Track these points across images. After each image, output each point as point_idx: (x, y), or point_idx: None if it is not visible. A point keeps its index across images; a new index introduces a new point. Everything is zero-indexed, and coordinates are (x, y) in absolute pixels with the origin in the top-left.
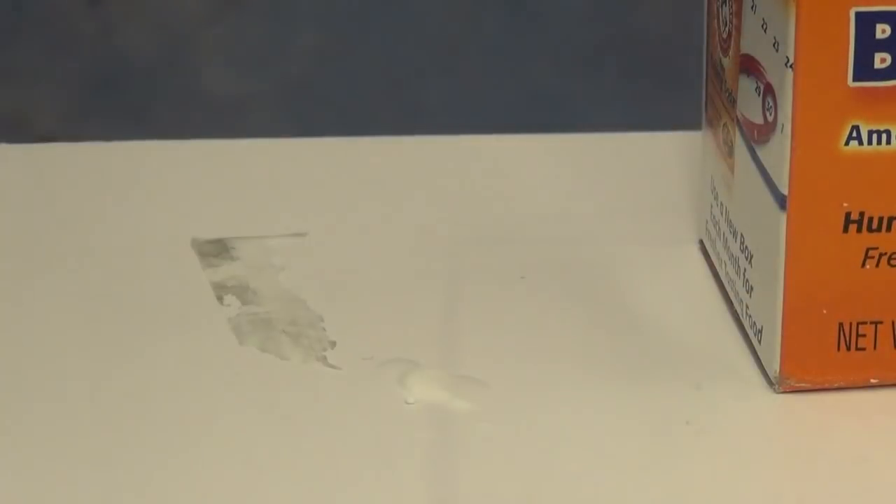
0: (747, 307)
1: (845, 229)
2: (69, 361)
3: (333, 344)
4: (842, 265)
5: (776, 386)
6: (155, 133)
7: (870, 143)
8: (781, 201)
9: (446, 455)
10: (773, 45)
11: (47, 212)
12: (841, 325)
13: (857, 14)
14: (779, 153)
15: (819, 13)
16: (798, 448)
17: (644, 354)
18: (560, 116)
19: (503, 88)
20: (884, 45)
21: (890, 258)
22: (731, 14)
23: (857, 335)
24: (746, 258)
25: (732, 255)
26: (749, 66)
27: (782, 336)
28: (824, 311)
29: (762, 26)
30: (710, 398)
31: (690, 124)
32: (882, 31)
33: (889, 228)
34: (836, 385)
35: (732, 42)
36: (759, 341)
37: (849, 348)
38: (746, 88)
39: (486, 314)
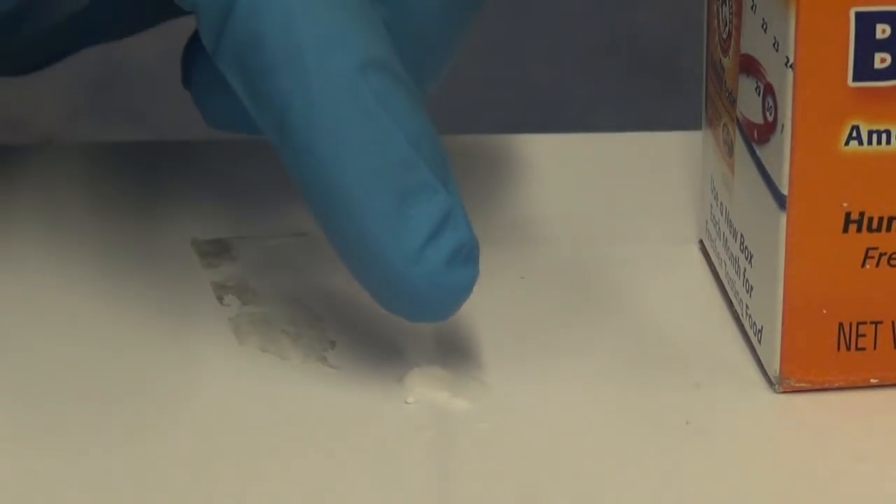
0: (747, 307)
1: (845, 229)
2: (68, 361)
3: (333, 344)
4: (842, 265)
5: (776, 386)
6: (155, 133)
7: (870, 143)
8: (781, 201)
9: (446, 455)
10: (773, 45)
11: (47, 212)
12: (841, 325)
13: (857, 14)
14: (779, 153)
15: (819, 13)
16: (798, 448)
17: (644, 354)
18: (560, 116)
19: (503, 88)
20: (884, 45)
21: (890, 258)
22: (731, 14)
23: (857, 335)
24: (746, 258)
25: (732, 255)
26: (749, 66)
27: (782, 336)
28: (824, 311)
29: (762, 26)
30: (709, 398)
31: (690, 124)
32: (882, 31)
33: (889, 228)
34: (836, 385)
35: (732, 42)
36: (759, 341)
37: (849, 348)
38: (746, 88)
39: (486, 314)
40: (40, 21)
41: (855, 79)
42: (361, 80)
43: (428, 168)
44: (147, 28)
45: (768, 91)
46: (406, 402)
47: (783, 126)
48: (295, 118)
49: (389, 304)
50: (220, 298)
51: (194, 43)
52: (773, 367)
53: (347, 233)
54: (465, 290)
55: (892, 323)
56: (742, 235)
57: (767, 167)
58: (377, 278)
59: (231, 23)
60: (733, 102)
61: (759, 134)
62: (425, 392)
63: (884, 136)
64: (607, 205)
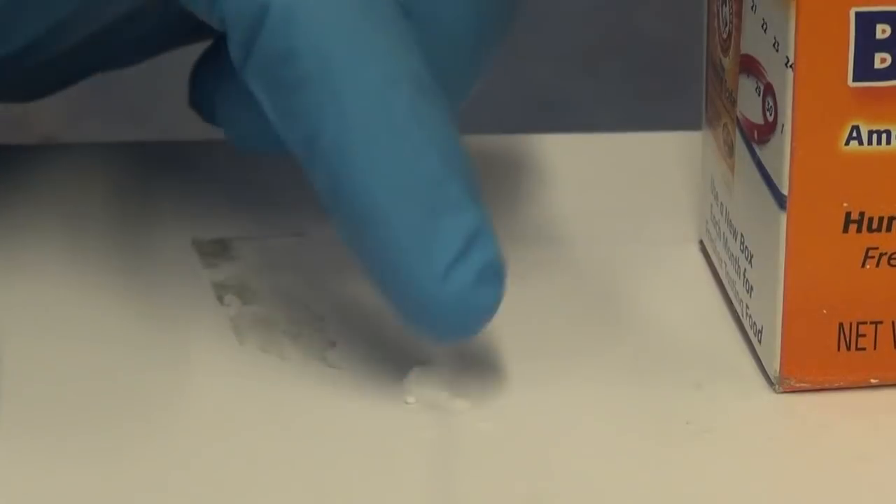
0: (747, 307)
1: (845, 229)
2: (68, 360)
3: (333, 344)
4: (842, 265)
5: (776, 386)
6: (155, 133)
7: (870, 143)
8: (781, 201)
9: (446, 455)
10: (773, 45)
11: (47, 212)
12: (841, 325)
13: (857, 14)
14: (779, 153)
15: (819, 13)
16: (798, 448)
17: (644, 354)
18: (560, 116)
19: (503, 88)
20: (884, 45)
21: (890, 258)
22: (731, 14)
23: (857, 335)
24: (746, 258)
25: (732, 255)
26: (749, 66)
27: (782, 336)
28: (824, 312)
29: (762, 26)
30: (710, 398)
31: (690, 124)
32: (882, 31)
33: (889, 228)
34: (836, 385)
35: (732, 42)
36: (759, 341)
37: (849, 348)
38: (746, 88)
39: None
40: (57, 45)
41: (855, 79)
42: (394, 94)
43: (459, 184)
44: (156, 56)
45: (768, 91)
46: (406, 402)
47: (783, 126)
48: (326, 132)
49: (415, 321)
50: (220, 298)
51: (206, 69)
52: (773, 367)
53: (376, 249)
54: (490, 310)
55: (893, 323)
56: (742, 235)
57: (767, 167)
58: (404, 296)
59: (262, 36)
60: (733, 102)
61: (759, 134)
62: (425, 392)
63: (884, 136)
64: (607, 205)
